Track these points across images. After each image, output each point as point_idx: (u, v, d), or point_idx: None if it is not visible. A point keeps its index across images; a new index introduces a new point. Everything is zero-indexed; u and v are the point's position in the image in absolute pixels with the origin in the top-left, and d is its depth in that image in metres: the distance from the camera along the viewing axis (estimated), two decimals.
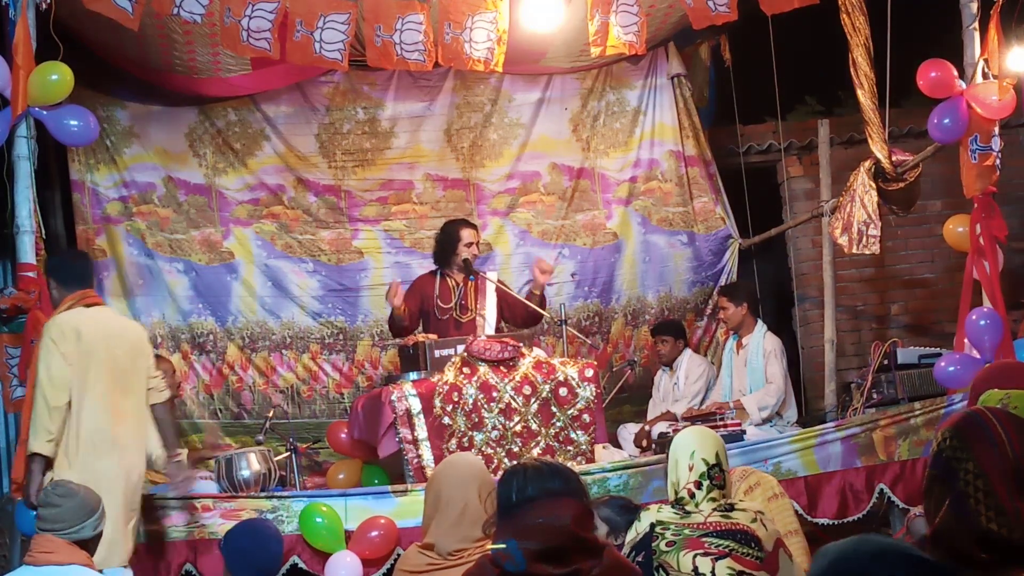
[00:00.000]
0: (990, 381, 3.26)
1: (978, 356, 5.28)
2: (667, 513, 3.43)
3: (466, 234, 6.58)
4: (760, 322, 6.83)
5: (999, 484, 2.20)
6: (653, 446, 6.35)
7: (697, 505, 3.42)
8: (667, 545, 3.34)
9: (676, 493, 3.48)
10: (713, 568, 3.28)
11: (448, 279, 6.60)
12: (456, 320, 6.50)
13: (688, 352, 7.12)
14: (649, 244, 7.75)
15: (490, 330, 6.43)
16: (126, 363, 4.81)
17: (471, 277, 6.57)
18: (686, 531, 3.35)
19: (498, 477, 2.99)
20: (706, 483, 3.43)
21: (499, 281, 6.65)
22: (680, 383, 6.99)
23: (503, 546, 2.70)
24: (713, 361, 7.49)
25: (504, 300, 6.58)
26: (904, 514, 5.41)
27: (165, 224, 7.23)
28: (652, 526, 3.38)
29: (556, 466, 2.98)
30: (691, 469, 3.45)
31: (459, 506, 3.55)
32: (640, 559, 3.33)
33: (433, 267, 6.75)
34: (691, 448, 3.49)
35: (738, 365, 6.79)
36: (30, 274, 4.96)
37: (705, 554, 3.29)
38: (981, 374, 3.65)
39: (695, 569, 3.28)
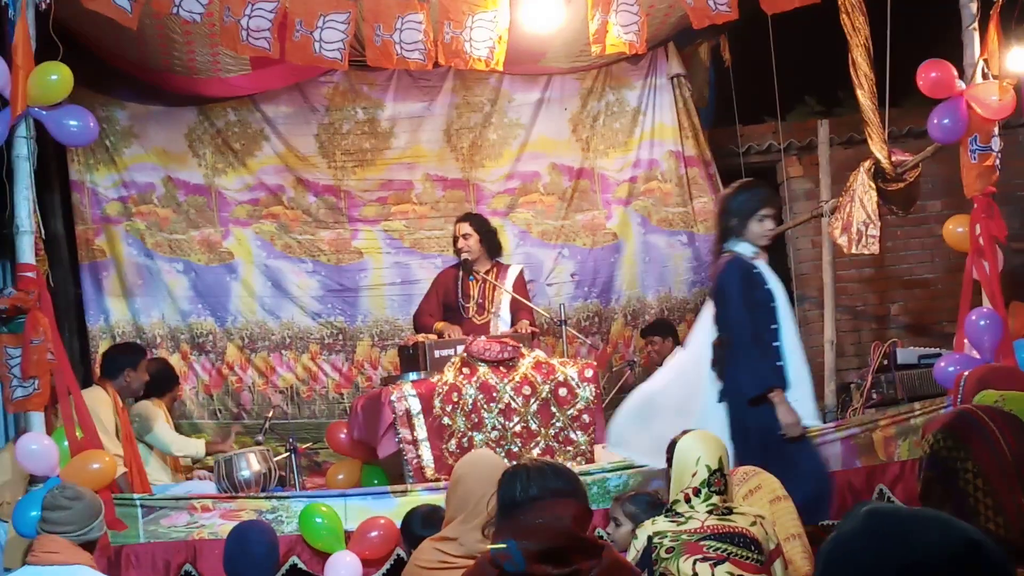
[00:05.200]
0: (983, 382, 3.27)
1: (978, 356, 5.27)
2: (662, 523, 3.41)
3: (456, 228, 6.60)
4: None
5: (998, 482, 2.21)
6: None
7: (693, 509, 3.41)
8: (666, 552, 3.32)
9: (674, 499, 3.48)
10: (712, 573, 3.26)
11: (472, 275, 6.56)
12: (472, 321, 6.48)
13: (679, 350, 7.13)
14: (649, 244, 7.75)
15: (505, 329, 6.42)
16: None
17: (470, 277, 6.56)
18: (684, 536, 3.34)
19: (498, 477, 2.99)
20: (704, 490, 3.42)
21: (514, 285, 6.59)
22: None
23: (503, 546, 2.70)
24: None
25: (514, 303, 6.54)
26: None
27: (164, 224, 7.24)
28: (649, 539, 3.37)
29: (558, 466, 2.98)
30: (694, 476, 3.44)
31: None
32: None
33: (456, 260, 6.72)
34: (697, 454, 3.48)
35: None
36: (29, 274, 4.95)
37: (704, 559, 3.28)
38: (973, 375, 3.66)
39: (695, 575, 3.27)
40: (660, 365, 7.15)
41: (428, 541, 3.63)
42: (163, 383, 6.36)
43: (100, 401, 5.66)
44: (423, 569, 3.50)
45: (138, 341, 6.83)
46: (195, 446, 6.20)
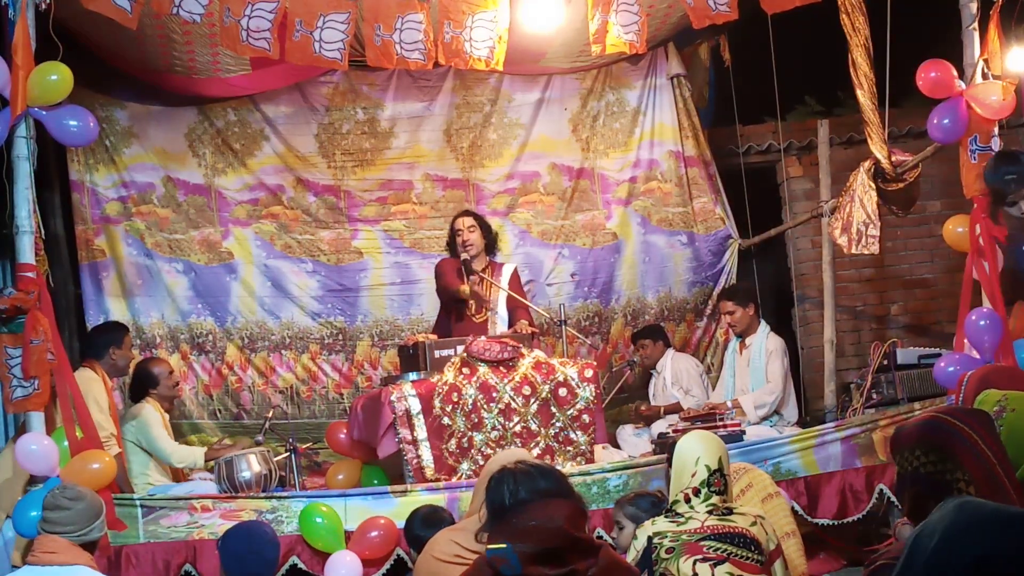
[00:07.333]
0: (985, 382, 3.27)
1: (978, 356, 5.27)
2: (662, 524, 3.41)
3: (457, 223, 6.61)
4: (763, 322, 6.83)
5: (986, 486, 2.21)
6: (653, 446, 6.37)
7: (692, 509, 3.41)
8: (667, 552, 3.32)
9: (674, 499, 3.47)
10: (712, 573, 3.26)
11: (469, 274, 6.57)
12: (470, 319, 6.48)
13: (671, 352, 7.15)
14: (649, 244, 7.74)
15: (504, 328, 6.42)
16: None
17: (470, 276, 6.56)
18: (684, 537, 3.33)
19: (477, 484, 2.98)
20: (704, 490, 3.42)
21: (510, 283, 6.59)
22: (667, 383, 7.01)
23: (503, 546, 2.70)
24: (712, 362, 7.50)
25: (511, 301, 6.54)
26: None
27: (164, 224, 7.24)
28: (649, 539, 3.37)
29: (544, 467, 2.98)
30: (694, 476, 3.44)
31: None
32: None
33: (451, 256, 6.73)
34: (696, 454, 3.47)
35: (740, 365, 6.79)
36: (29, 274, 4.95)
37: (704, 559, 3.27)
38: (975, 375, 3.66)
39: (695, 575, 3.26)
40: (652, 369, 7.19)
41: (447, 531, 3.62)
42: (141, 384, 6.30)
43: (91, 380, 5.69)
44: (437, 561, 3.50)
45: (120, 324, 6.71)
46: (194, 456, 6.13)
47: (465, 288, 6.41)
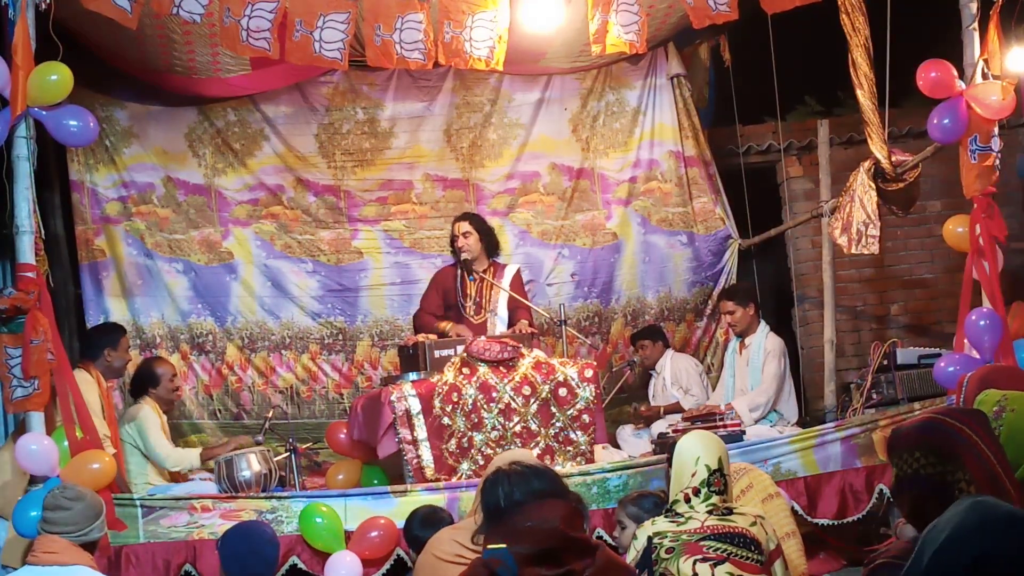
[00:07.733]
0: (986, 382, 3.27)
1: (978, 356, 5.27)
2: (662, 524, 3.41)
3: (455, 227, 6.64)
4: (763, 323, 6.83)
5: (988, 486, 2.21)
6: (653, 446, 6.37)
7: (692, 509, 3.40)
8: (667, 552, 3.32)
9: (674, 499, 3.47)
10: (712, 573, 3.26)
11: (469, 275, 6.58)
12: (470, 321, 6.49)
13: (670, 352, 7.16)
14: (649, 244, 7.74)
15: (503, 328, 6.42)
16: None
17: (471, 277, 6.57)
18: (684, 537, 3.33)
19: (480, 485, 2.98)
20: (704, 490, 3.42)
21: (511, 283, 6.60)
22: (667, 383, 7.01)
23: (502, 547, 2.69)
24: (712, 362, 7.49)
25: (512, 301, 6.55)
26: None
27: (164, 224, 7.24)
28: (649, 539, 3.37)
29: (538, 468, 2.97)
30: (694, 476, 3.44)
31: None
32: None
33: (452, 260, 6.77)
34: (696, 454, 3.47)
35: (740, 365, 6.79)
36: (29, 274, 4.95)
37: (704, 559, 3.27)
38: (975, 376, 3.66)
39: (695, 575, 3.26)
40: (651, 369, 7.19)
41: (448, 530, 3.61)
42: (142, 382, 6.29)
43: (85, 382, 5.67)
44: (438, 560, 3.49)
45: (117, 325, 6.70)
46: (190, 458, 6.11)
47: (443, 327, 6.43)
